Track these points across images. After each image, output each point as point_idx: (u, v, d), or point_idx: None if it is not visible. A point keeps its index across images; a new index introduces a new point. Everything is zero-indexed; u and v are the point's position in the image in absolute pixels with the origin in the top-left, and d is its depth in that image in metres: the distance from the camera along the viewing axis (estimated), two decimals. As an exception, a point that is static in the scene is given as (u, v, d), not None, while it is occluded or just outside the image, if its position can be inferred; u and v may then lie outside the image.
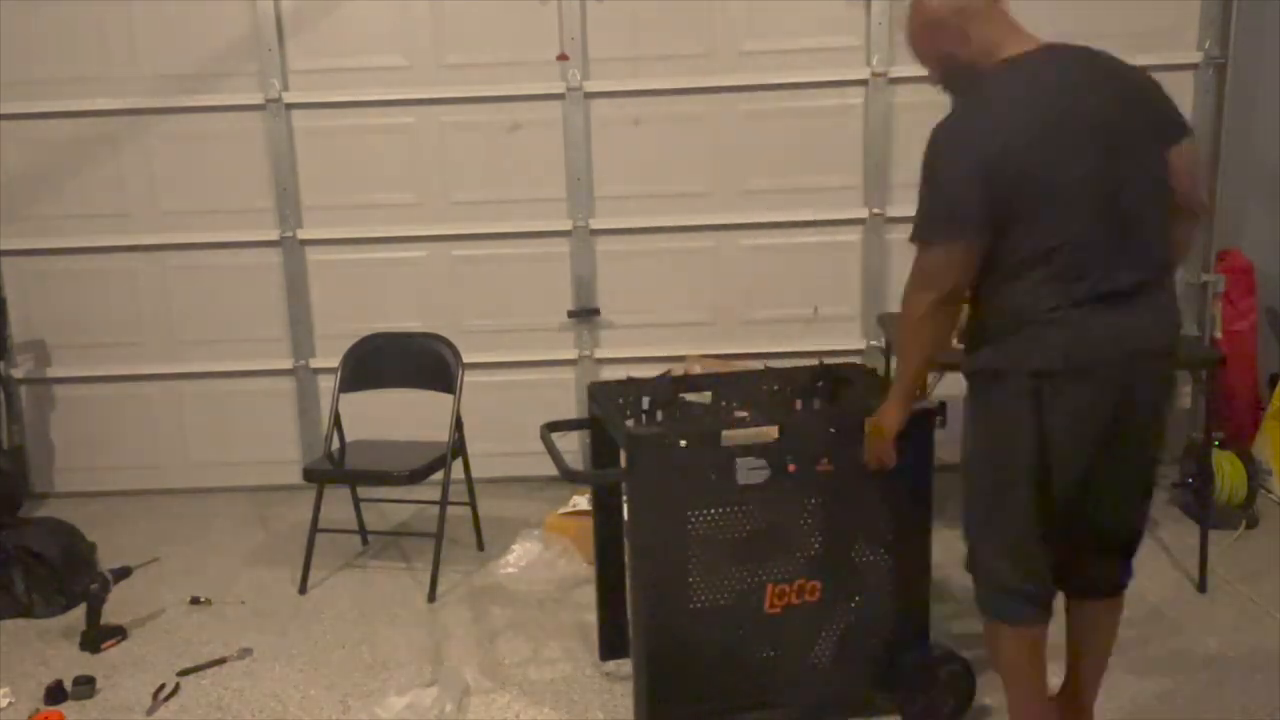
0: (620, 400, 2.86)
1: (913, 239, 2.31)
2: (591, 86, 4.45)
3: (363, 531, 4.12)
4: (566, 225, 4.57)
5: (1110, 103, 2.24)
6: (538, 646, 3.32)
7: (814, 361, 3.14)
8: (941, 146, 2.27)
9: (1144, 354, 2.25)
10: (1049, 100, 2.22)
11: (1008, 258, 2.22)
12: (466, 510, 4.00)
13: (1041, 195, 2.18)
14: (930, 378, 3.34)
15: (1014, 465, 2.28)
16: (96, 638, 3.37)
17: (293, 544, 3.99)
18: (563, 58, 4.40)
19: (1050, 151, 2.19)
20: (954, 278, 2.26)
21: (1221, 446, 3.99)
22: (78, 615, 3.47)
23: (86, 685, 3.11)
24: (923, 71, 4.56)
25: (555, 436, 2.96)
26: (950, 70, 2.40)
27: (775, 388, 3.00)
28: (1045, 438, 2.24)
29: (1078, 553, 2.42)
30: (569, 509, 3.94)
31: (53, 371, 4.76)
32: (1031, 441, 2.24)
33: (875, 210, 4.49)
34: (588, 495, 3.53)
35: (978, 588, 2.44)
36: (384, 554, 4.07)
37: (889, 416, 2.53)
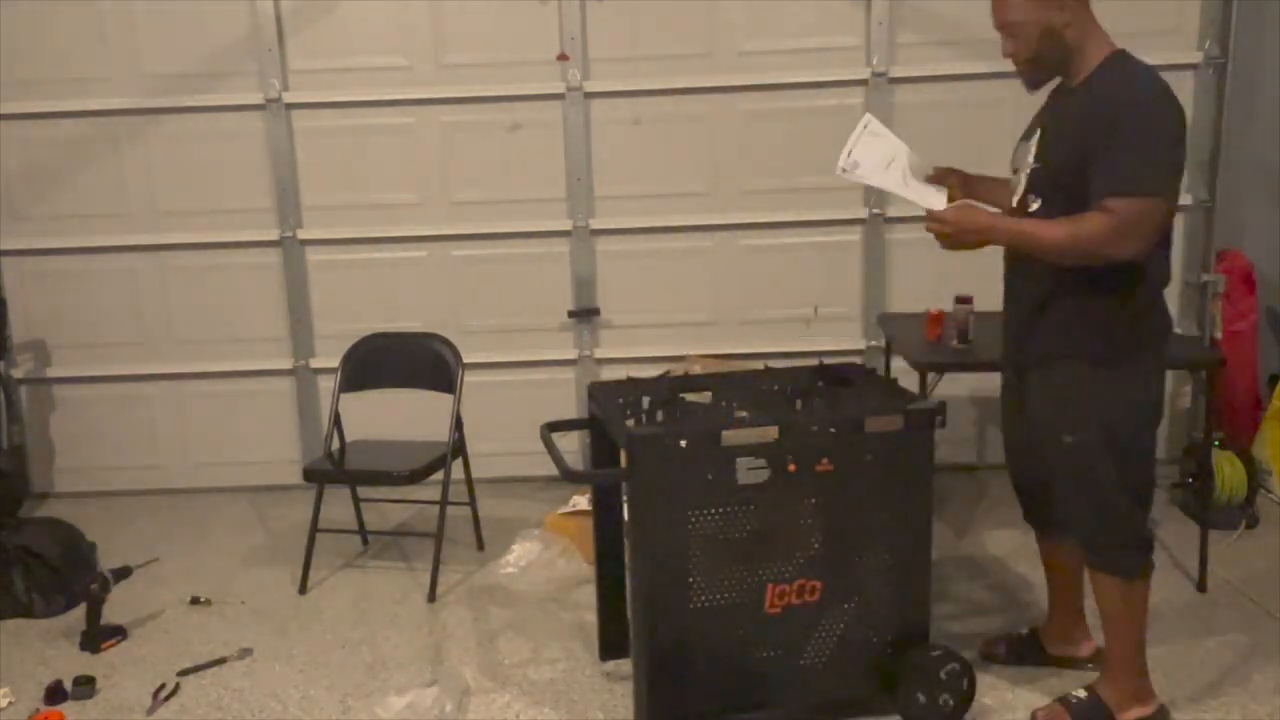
0: (620, 400, 2.86)
1: (1138, 191, 2.34)
2: (591, 86, 4.45)
3: (363, 531, 4.12)
4: (566, 225, 4.57)
5: None
6: (538, 646, 3.32)
7: (814, 361, 3.15)
8: (1165, 100, 2.39)
9: None
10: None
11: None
12: (466, 510, 4.00)
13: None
14: (930, 378, 3.35)
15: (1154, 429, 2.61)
16: (96, 637, 3.37)
17: (293, 544, 4.00)
18: (563, 58, 4.40)
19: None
20: (1153, 237, 2.37)
21: (1221, 446, 3.99)
22: (78, 615, 3.47)
23: (87, 685, 3.10)
24: (922, 71, 4.56)
25: (555, 436, 2.96)
26: (1048, 46, 2.50)
27: (775, 388, 3.00)
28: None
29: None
30: (569, 509, 3.94)
31: (53, 371, 4.76)
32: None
33: (875, 210, 4.49)
34: (588, 495, 3.53)
35: (1125, 554, 2.61)
36: (384, 554, 4.07)
37: (983, 229, 2.51)
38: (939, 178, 2.71)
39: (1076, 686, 2.77)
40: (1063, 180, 2.45)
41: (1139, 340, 2.52)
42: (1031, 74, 2.58)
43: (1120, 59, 2.50)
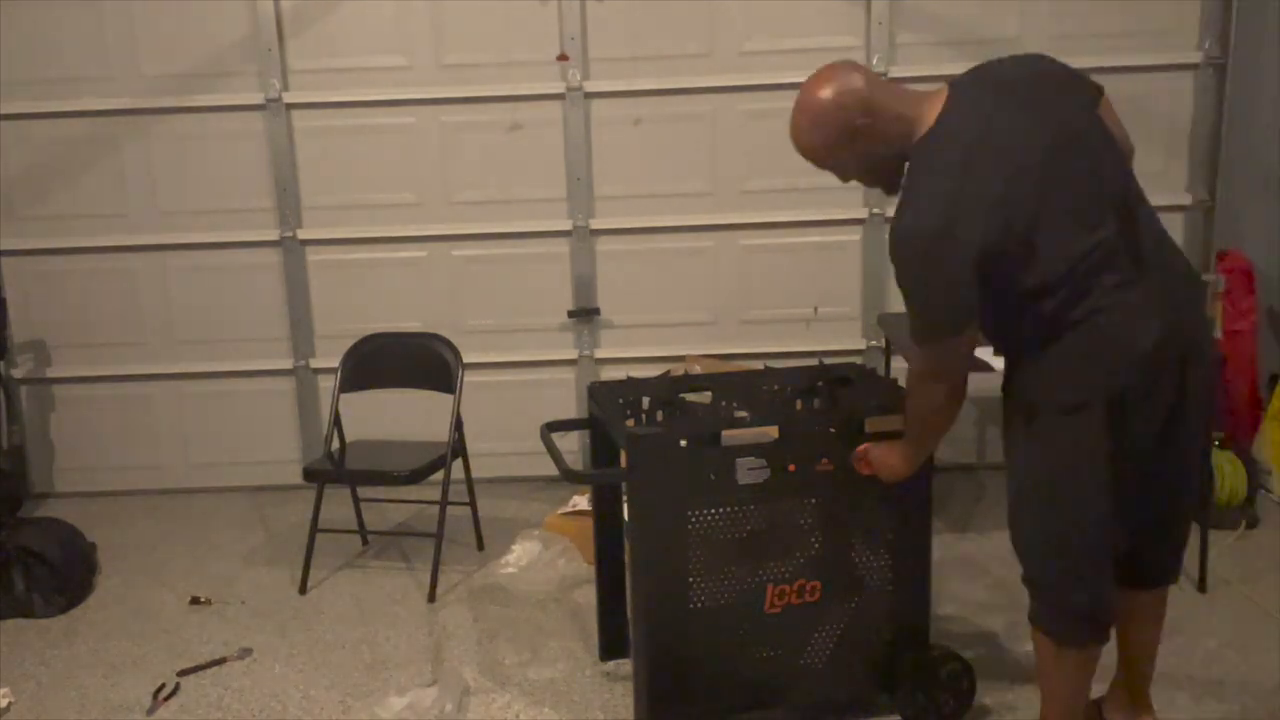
0: (620, 400, 2.86)
1: (919, 341, 2.28)
2: (591, 86, 4.45)
3: (363, 531, 4.12)
4: (566, 225, 4.57)
5: (1036, 108, 2.20)
6: (538, 646, 3.32)
7: (814, 361, 3.15)
8: (917, 249, 2.18)
9: (1167, 340, 2.18)
10: (993, 148, 2.15)
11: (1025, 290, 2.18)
12: (466, 510, 4.00)
13: (1034, 237, 2.14)
14: None
15: (1092, 479, 2.24)
16: None
17: (293, 544, 4.00)
18: (563, 58, 4.40)
19: (1017, 196, 2.14)
20: (964, 365, 2.29)
21: (1221, 446, 3.99)
22: (78, 615, 3.47)
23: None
24: (922, 71, 4.57)
25: (555, 436, 2.96)
26: (874, 165, 2.36)
27: (775, 388, 2.99)
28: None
29: (1137, 541, 2.41)
30: (569, 509, 3.94)
31: (53, 371, 4.76)
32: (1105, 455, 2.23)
33: (875, 210, 4.49)
34: (588, 495, 3.53)
35: (1043, 606, 2.37)
36: (384, 554, 4.07)
37: (898, 467, 2.53)
38: None
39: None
40: None
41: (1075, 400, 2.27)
42: (882, 186, 2.42)
43: (914, 161, 2.25)
